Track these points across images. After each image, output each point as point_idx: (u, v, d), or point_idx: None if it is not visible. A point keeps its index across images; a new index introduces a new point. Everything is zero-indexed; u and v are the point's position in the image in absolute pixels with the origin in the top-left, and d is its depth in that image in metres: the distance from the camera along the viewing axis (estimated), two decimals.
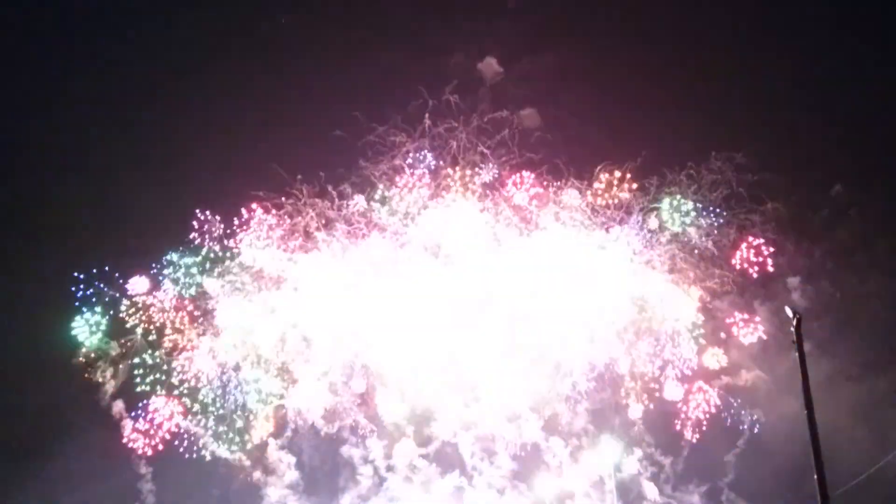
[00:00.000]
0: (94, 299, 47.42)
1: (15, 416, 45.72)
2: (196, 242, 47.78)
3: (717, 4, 48.07)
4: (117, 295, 47.59)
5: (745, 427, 44.75)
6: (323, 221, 47.80)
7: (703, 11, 46.97)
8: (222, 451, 46.66)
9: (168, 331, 47.69)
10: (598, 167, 46.56)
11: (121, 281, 47.54)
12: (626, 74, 46.79)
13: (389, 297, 46.41)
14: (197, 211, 47.52)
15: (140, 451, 46.25)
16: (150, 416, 46.44)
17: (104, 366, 47.18)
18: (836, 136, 45.20)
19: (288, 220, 47.68)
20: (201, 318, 47.77)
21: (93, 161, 48.92)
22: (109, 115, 49.24)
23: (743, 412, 44.82)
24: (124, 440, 46.33)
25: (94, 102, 48.86)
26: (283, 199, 47.50)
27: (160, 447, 46.28)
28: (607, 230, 47.34)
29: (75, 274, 46.92)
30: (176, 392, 46.78)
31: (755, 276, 46.46)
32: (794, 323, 27.59)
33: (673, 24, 46.41)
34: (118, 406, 47.08)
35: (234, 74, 49.21)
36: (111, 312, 47.56)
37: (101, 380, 47.31)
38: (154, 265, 47.74)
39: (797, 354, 27.46)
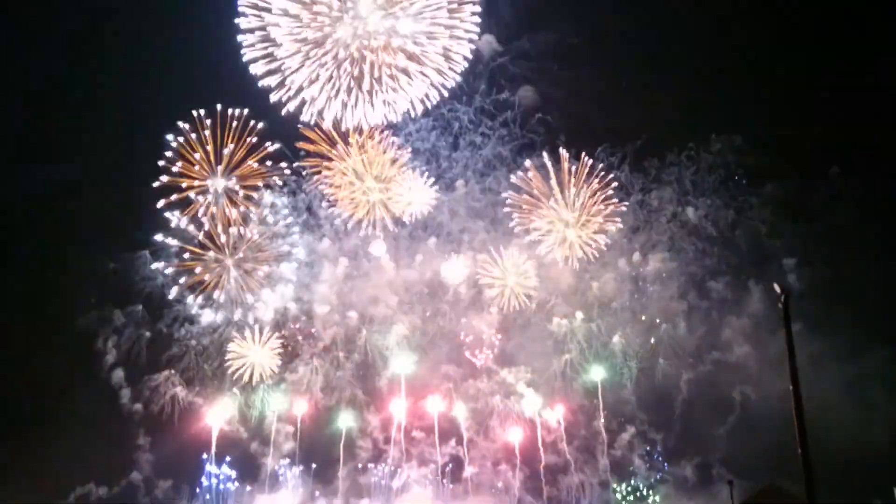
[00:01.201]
0: None
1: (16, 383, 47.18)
2: None
3: None
4: None
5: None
6: None
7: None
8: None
9: None
10: (599, 148, 47.91)
11: None
12: (626, 57, 47.73)
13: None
14: None
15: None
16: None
17: (106, 333, 48.39)
18: (834, 120, 46.15)
19: None
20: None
21: None
22: None
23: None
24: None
25: None
26: None
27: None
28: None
29: None
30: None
31: None
32: (782, 299, 28.76)
33: (674, 10, 47.16)
34: (118, 376, 48.58)
35: None
36: None
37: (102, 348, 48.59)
38: None
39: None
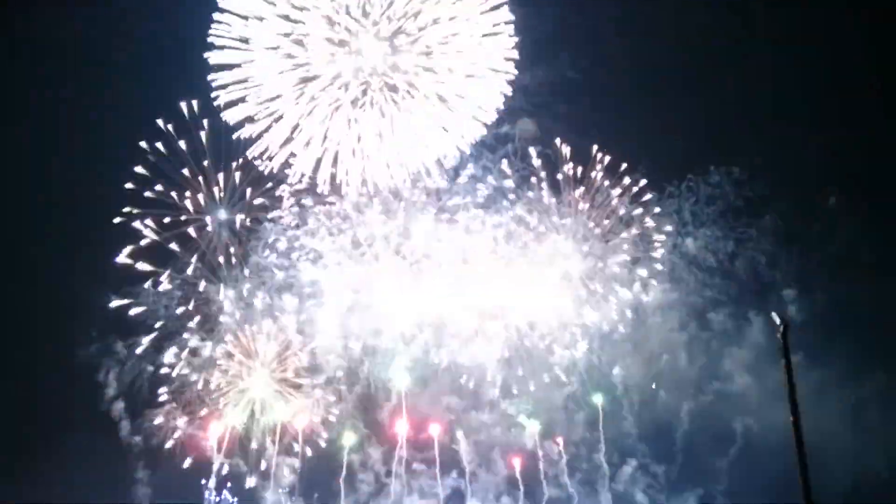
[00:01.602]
0: None
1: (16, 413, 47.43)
2: None
3: (718, 26, 49.80)
4: None
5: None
6: None
7: (704, 31, 48.78)
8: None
9: None
10: (599, 182, 48.65)
11: None
12: (624, 90, 48.65)
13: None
14: None
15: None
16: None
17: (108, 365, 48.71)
18: (830, 150, 47.13)
19: None
20: None
21: None
22: None
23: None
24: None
25: None
26: None
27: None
28: (607, 242, 49.10)
29: None
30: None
31: None
32: (781, 330, 29.36)
33: (673, 44, 48.20)
34: (118, 408, 48.80)
35: None
36: None
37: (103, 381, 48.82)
38: None
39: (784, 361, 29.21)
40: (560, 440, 48.60)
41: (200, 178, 48.38)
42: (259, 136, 45.47)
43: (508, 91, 46.41)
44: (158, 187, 47.41)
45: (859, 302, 46.49)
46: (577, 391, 48.48)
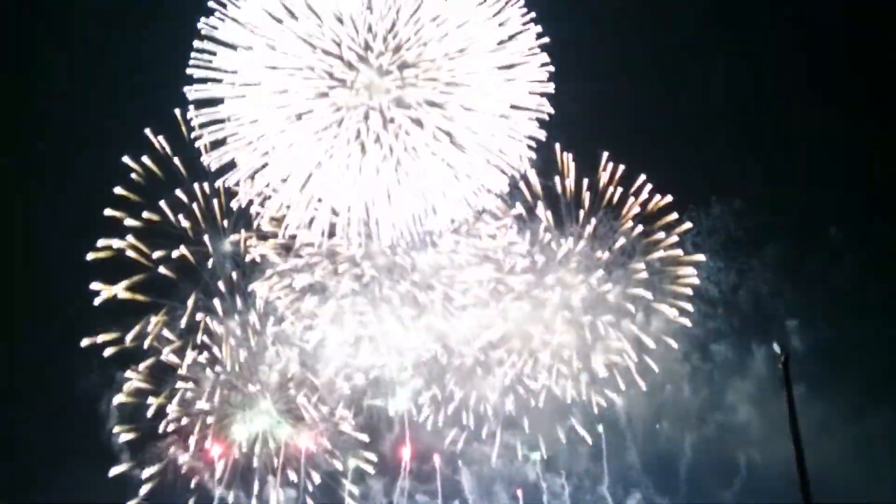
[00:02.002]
0: None
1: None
2: None
3: (718, 56, 50.70)
4: None
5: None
6: None
7: (704, 62, 49.68)
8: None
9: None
10: (600, 212, 49.12)
11: None
12: (626, 121, 49.30)
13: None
14: None
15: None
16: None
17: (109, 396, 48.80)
18: (832, 181, 47.86)
19: None
20: None
21: None
22: None
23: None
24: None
25: None
26: None
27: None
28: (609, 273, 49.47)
29: None
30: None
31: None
32: (782, 360, 29.81)
33: (673, 74, 49.07)
34: (119, 439, 48.43)
35: None
36: None
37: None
38: None
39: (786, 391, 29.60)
40: (563, 472, 48.76)
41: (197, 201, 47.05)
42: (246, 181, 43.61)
43: (540, 134, 43.93)
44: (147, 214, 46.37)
45: (864, 334, 46.84)
46: (580, 423, 48.59)
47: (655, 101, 48.72)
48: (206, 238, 48.03)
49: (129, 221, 46.47)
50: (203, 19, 43.31)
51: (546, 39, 44.64)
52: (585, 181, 48.03)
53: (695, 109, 48.68)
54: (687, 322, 47.71)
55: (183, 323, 48.20)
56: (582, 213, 48.33)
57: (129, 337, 46.69)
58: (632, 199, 48.23)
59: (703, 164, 48.35)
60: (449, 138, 43.58)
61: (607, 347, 48.32)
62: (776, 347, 30.34)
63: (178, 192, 46.69)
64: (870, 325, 46.46)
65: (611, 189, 48.16)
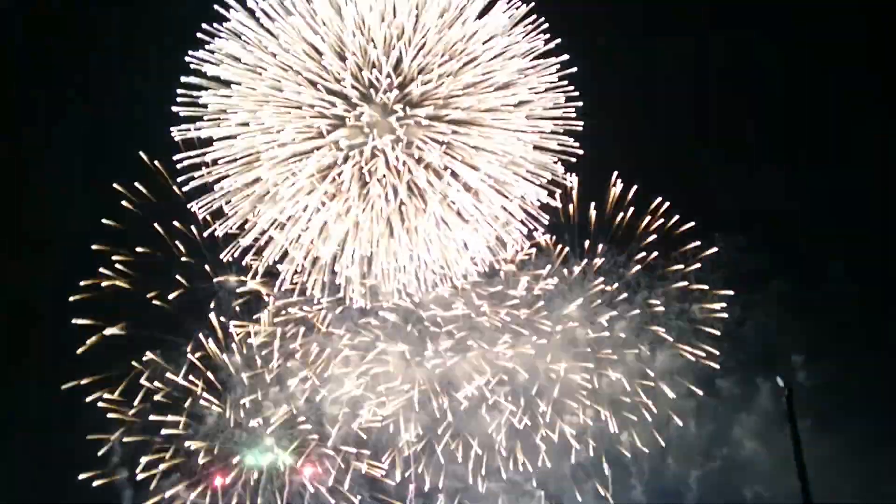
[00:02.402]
0: None
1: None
2: None
3: (720, 91, 51.39)
4: None
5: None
6: None
7: (704, 95, 50.43)
8: None
9: None
10: (600, 247, 49.55)
11: None
12: (629, 156, 49.79)
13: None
14: None
15: None
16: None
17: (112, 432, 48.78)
18: (832, 215, 48.43)
19: None
20: None
21: None
22: None
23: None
24: None
25: None
26: None
27: None
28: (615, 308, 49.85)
29: None
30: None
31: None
32: (786, 394, 30.22)
33: (675, 111, 49.72)
34: (122, 476, 48.68)
35: None
36: None
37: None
38: None
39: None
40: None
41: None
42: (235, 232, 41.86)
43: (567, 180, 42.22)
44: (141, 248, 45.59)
45: (871, 368, 47.04)
46: (585, 459, 48.66)
47: (658, 138, 49.05)
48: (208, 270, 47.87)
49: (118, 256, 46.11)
50: (191, 52, 41.48)
51: (573, 69, 42.30)
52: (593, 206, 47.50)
53: (697, 145, 49.31)
54: (714, 365, 47.46)
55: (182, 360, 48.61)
56: (598, 244, 48.42)
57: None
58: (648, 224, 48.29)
59: (707, 200, 48.84)
60: (461, 184, 41.58)
61: (612, 383, 48.70)
62: (780, 381, 30.75)
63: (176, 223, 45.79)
64: (876, 358, 46.68)
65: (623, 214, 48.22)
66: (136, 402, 47.76)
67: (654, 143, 48.81)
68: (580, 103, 42.24)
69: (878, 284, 48.14)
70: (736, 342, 49.31)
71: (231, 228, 42.98)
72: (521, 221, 43.43)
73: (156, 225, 46.15)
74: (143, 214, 45.56)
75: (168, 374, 48.53)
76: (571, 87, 42.25)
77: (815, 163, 49.91)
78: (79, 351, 46.78)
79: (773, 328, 48.87)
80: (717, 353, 48.29)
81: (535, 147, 42.51)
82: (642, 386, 48.94)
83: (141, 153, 44.91)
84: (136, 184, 45.50)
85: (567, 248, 48.33)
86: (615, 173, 47.79)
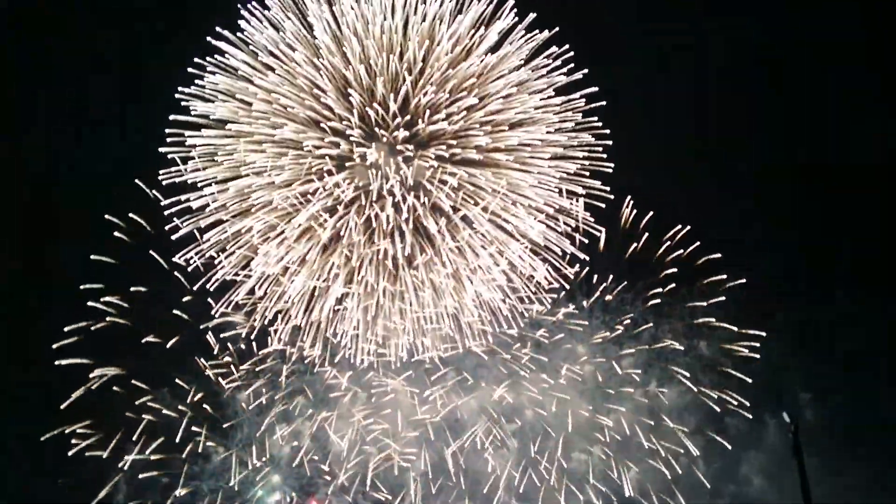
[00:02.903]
0: None
1: None
2: None
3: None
4: None
5: None
6: None
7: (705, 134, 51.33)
8: None
9: None
10: (604, 284, 49.99)
11: None
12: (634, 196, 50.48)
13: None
14: None
15: None
16: None
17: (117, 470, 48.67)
18: (836, 248, 49.10)
19: None
20: None
21: None
22: None
23: None
24: None
25: None
26: None
27: None
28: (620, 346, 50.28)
29: None
30: None
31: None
32: (792, 429, 30.59)
33: (680, 149, 50.50)
34: None
35: None
36: None
37: None
38: None
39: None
40: None
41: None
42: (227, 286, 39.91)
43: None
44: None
45: (879, 403, 47.33)
46: (592, 497, 48.76)
47: (661, 175, 49.67)
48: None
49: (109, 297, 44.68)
50: (181, 89, 40.14)
51: (602, 103, 39.91)
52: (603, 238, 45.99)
53: (700, 184, 49.94)
54: (747, 415, 46.56)
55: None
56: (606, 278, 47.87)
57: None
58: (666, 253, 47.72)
59: (710, 238, 49.52)
60: (476, 233, 39.56)
61: (618, 420, 49.01)
62: (786, 417, 31.14)
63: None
64: (883, 394, 46.98)
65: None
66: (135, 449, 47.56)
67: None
68: (609, 142, 40.31)
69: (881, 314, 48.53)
70: (743, 379, 49.67)
71: (226, 276, 41.87)
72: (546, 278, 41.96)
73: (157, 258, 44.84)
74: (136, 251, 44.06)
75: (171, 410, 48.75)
76: (599, 123, 40.29)
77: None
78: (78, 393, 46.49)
79: (780, 365, 49.18)
80: (729, 391, 48.57)
81: (560, 191, 40.95)
82: (650, 423, 49.34)
83: (138, 181, 43.14)
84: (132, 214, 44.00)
85: (582, 275, 46.81)
86: (628, 200, 46.48)
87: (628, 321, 50.09)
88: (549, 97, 39.14)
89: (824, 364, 48.90)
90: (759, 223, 50.95)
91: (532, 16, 38.65)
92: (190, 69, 40.24)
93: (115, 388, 46.91)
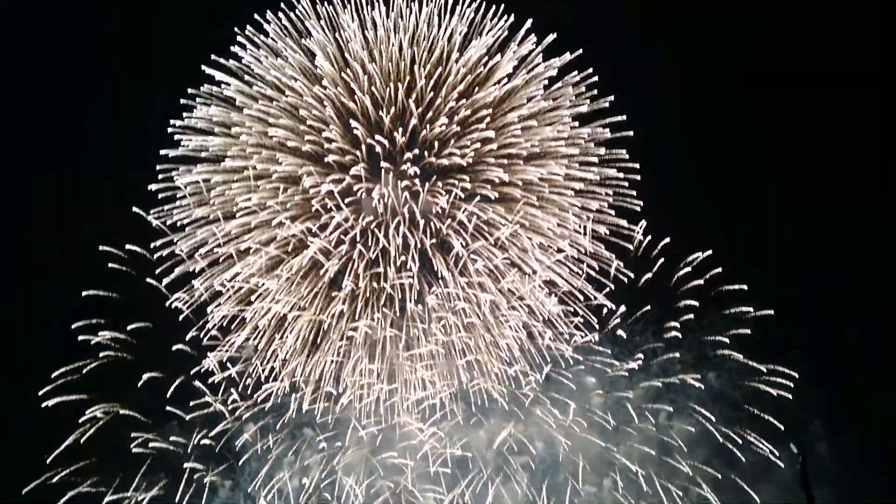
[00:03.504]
0: None
1: None
2: None
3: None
4: None
5: None
6: None
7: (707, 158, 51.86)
8: None
9: None
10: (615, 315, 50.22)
11: None
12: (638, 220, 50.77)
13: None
14: None
15: None
16: None
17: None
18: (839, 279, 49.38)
19: None
20: None
21: None
22: None
23: None
24: None
25: None
26: None
27: None
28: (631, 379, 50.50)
29: None
30: None
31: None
32: (800, 461, 30.78)
33: (685, 179, 51.00)
34: None
35: None
36: None
37: None
38: None
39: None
40: None
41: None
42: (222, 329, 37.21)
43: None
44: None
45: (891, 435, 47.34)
46: None
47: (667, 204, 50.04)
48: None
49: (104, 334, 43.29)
50: (172, 122, 38.57)
51: (630, 133, 37.51)
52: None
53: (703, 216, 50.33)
54: (780, 464, 42.61)
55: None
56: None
57: None
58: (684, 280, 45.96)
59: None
60: (493, 277, 37.22)
61: (629, 453, 49.11)
62: (794, 448, 31.34)
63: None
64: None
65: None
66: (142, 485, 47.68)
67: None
68: (638, 176, 38.12)
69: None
70: (754, 411, 49.75)
71: (222, 322, 40.49)
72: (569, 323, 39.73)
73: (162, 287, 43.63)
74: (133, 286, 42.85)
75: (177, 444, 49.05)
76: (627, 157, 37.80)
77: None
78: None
79: (792, 397, 49.26)
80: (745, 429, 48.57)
81: (592, 238, 39.37)
82: (660, 456, 49.43)
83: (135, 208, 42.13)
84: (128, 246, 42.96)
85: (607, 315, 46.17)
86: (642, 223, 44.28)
87: (640, 355, 50.31)
88: (573, 127, 37.27)
89: (838, 396, 49.01)
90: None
91: (552, 37, 36.55)
92: (183, 100, 39.43)
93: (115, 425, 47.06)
